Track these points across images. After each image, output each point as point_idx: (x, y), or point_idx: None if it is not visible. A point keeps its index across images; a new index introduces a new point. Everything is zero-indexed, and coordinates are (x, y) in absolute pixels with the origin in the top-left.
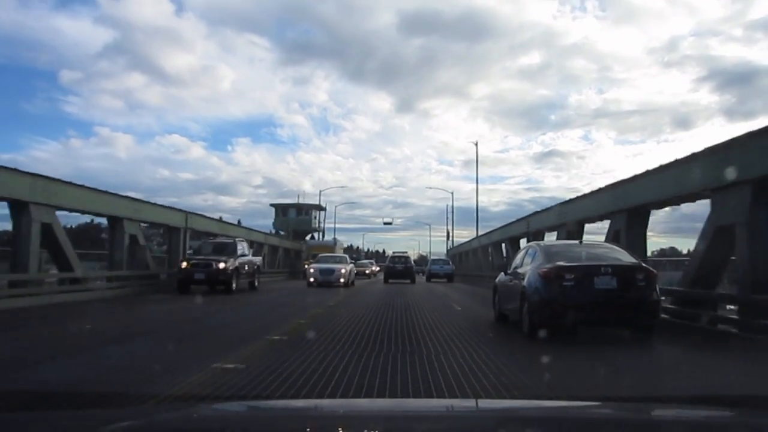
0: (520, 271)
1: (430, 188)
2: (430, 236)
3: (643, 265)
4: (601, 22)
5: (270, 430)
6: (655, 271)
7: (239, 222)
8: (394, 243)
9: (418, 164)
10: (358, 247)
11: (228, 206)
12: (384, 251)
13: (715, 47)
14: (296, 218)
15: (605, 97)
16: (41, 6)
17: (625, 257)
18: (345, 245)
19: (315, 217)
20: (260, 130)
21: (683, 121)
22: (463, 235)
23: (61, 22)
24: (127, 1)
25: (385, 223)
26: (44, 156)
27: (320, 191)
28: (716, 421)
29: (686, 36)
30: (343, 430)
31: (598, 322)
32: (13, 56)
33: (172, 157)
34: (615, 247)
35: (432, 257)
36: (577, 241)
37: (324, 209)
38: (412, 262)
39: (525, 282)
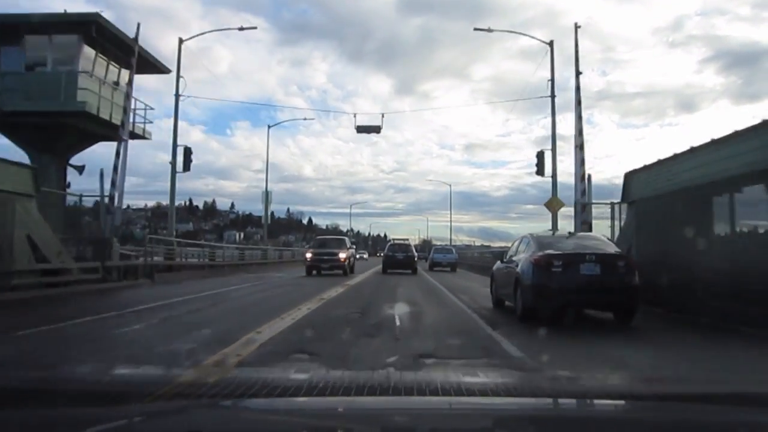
0: (514, 259)
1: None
2: (450, 216)
3: (625, 254)
4: (605, 1)
5: (270, 428)
6: (634, 259)
7: (233, 204)
8: (395, 228)
9: (419, 148)
10: (358, 231)
11: (228, 190)
12: (386, 235)
13: (721, 27)
14: (24, 77)
15: (608, 79)
16: None
17: (610, 247)
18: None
19: (110, 84)
20: (260, 113)
21: (687, 104)
22: (465, 220)
23: (53, 1)
24: None
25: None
26: None
27: (181, 42)
28: (716, 419)
29: (692, 15)
30: (343, 428)
31: (584, 305)
32: None
33: (171, 141)
34: (602, 238)
35: (435, 245)
36: (567, 233)
37: (166, 71)
38: (414, 251)
39: (519, 269)
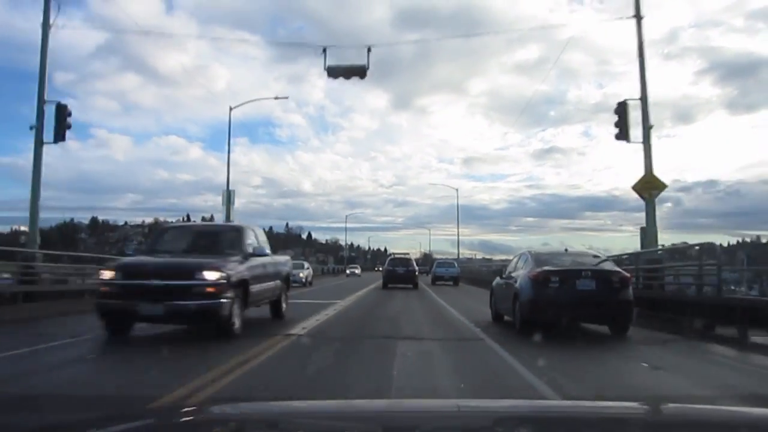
0: (513, 275)
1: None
2: (457, 227)
3: (619, 270)
4: (599, 15)
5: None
6: (629, 275)
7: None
8: (395, 242)
9: (418, 162)
10: (358, 246)
11: None
12: (386, 249)
13: (715, 38)
14: None
15: (605, 91)
16: (31, 5)
17: (605, 263)
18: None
19: None
20: (258, 129)
21: (684, 116)
22: (465, 233)
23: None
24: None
25: (332, 71)
26: (44, 159)
27: None
28: (717, 420)
29: (686, 27)
30: (345, 428)
31: (580, 319)
32: (6, 58)
33: (170, 158)
34: (597, 254)
35: (437, 259)
36: (564, 249)
37: None
38: (415, 265)
39: (517, 284)
